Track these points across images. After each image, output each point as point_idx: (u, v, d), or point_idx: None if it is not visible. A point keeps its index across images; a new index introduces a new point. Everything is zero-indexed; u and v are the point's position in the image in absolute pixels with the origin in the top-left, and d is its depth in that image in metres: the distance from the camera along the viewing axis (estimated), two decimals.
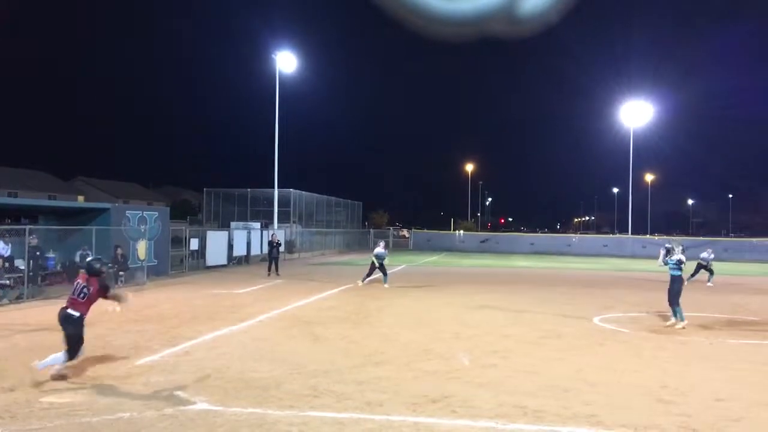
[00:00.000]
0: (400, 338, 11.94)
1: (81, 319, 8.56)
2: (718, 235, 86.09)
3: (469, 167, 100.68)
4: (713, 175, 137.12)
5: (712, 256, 26.24)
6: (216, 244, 29.95)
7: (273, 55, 42.41)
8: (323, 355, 10.17)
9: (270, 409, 7.07)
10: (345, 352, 10.52)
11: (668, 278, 14.14)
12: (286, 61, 42.62)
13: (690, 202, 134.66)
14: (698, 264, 25.95)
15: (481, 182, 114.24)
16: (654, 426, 6.74)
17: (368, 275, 22.24)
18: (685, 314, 14.02)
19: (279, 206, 42.48)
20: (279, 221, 42.13)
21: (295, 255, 41.32)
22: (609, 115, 68.78)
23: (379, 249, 22.21)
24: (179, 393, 7.66)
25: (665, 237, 63.05)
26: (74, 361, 8.51)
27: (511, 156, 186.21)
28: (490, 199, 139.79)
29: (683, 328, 13.57)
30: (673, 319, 13.97)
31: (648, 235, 69.56)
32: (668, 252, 14.10)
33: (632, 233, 62.08)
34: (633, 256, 51.33)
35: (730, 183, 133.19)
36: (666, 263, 14.13)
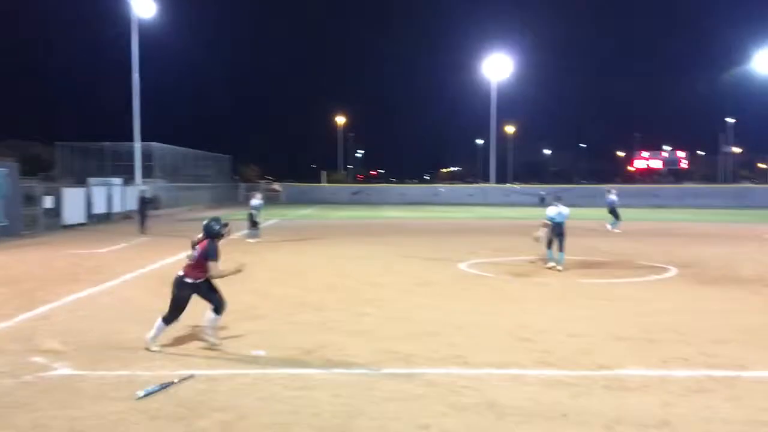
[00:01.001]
0: (273, 292, 11.92)
1: (184, 283, 7.89)
2: (572, 181, 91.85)
3: (340, 120, 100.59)
4: (567, 126, 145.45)
5: (615, 198, 26.89)
6: (73, 201, 28.18)
7: None
8: (194, 313, 9.95)
9: (139, 370, 6.87)
10: None
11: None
12: (143, 5, 40.14)
13: (547, 151, 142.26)
14: (610, 208, 26.73)
15: (351, 134, 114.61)
16: (514, 363, 7.22)
17: (251, 228, 21.64)
18: (539, 258, 15.00)
19: (142, 161, 40.54)
20: (143, 177, 40.25)
21: (161, 211, 39.76)
22: (473, 69, 70.78)
23: (256, 200, 21.77)
24: (38, 359, 7.25)
25: (527, 186, 66.52)
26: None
27: (381, 109, 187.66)
28: (361, 152, 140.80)
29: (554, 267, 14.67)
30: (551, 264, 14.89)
31: (509, 184, 73.05)
32: (546, 202, 15.02)
33: (495, 182, 64.95)
34: (496, 204, 53.78)
35: (583, 133, 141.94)
36: (557, 217, 14.91)
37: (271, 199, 61.92)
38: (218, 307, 7.86)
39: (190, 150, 51.27)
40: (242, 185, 64.13)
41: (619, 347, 7.92)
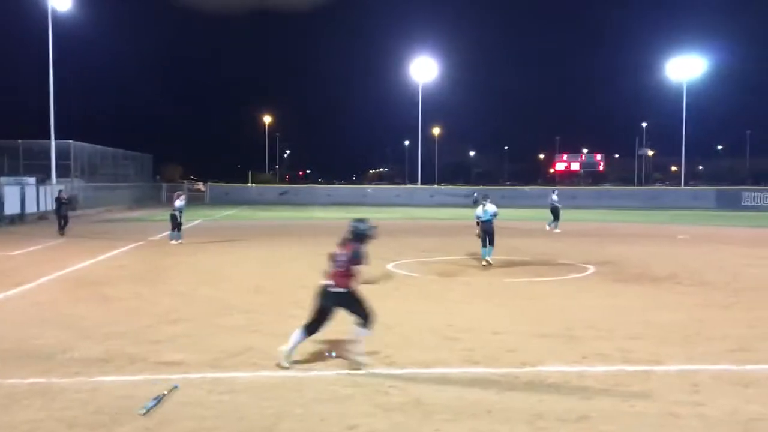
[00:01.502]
0: (197, 295, 11.66)
1: (330, 293, 7.14)
2: (496, 183, 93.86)
3: (267, 119, 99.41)
4: (492, 128, 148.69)
5: (557, 198, 27.37)
6: None
7: None
8: (114, 317, 9.64)
9: (55, 377, 6.58)
10: (138, 312, 10.05)
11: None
12: None
13: (472, 153, 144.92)
14: (553, 207, 27.18)
15: (278, 134, 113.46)
16: (441, 361, 7.31)
17: (173, 230, 20.95)
18: (466, 257, 15.26)
19: (58, 159, 38.88)
20: (59, 176, 38.63)
21: (78, 212, 38.27)
22: (401, 71, 71.40)
23: (179, 202, 21.14)
24: None
25: (452, 186, 67.51)
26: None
27: (310, 110, 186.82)
28: (288, 152, 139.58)
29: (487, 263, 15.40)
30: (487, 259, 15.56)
31: (435, 185, 74.00)
32: (478, 203, 15.90)
33: (422, 183, 65.66)
34: (423, 205, 54.36)
35: (506, 135, 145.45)
36: (483, 216, 15.56)
37: (195, 200, 60.67)
38: (366, 319, 7.01)
39: (110, 148, 49.56)
40: (164, 185, 62.49)
41: (541, 344, 8.14)
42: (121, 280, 13.35)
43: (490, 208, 15.68)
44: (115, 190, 47.72)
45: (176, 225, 20.87)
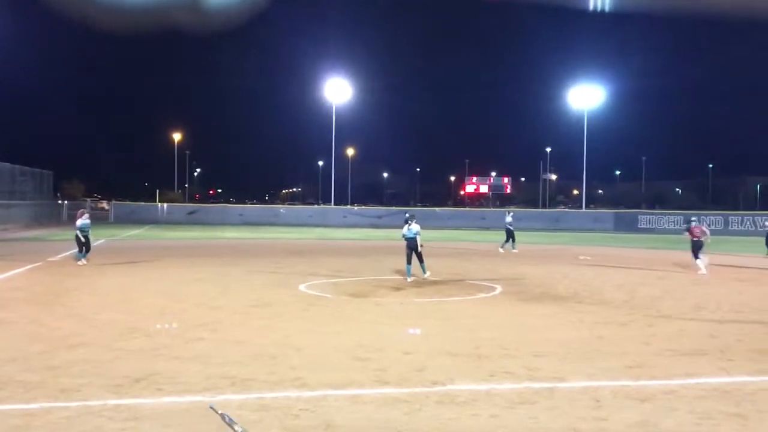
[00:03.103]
0: (99, 318, 11.16)
1: None
2: (408, 204, 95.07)
3: (176, 136, 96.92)
4: (404, 150, 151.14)
5: (511, 219, 27.97)
6: None
7: None
8: (8, 342, 9.08)
9: None
10: (34, 336, 9.51)
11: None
12: None
13: (385, 174, 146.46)
14: (507, 229, 27.68)
15: (188, 152, 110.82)
16: (352, 382, 7.29)
17: (80, 251, 20.10)
18: (376, 278, 15.36)
19: None
20: None
21: None
22: (315, 91, 71.45)
23: (83, 220, 20.20)
24: None
25: (364, 207, 67.83)
26: None
27: (221, 128, 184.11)
28: (198, 170, 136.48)
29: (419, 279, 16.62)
30: (418, 275, 16.83)
31: (348, 206, 74.15)
32: (407, 223, 16.87)
33: (335, 204, 65.68)
34: (336, 226, 54.33)
35: (418, 157, 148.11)
36: (407, 234, 16.77)
37: (99, 219, 58.24)
38: None
39: (7, 164, 46.94)
40: (65, 203, 59.72)
41: (450, 363, 8.26)
42: (16, 302, 12.61)
43: (414, 227, 16.74)
44: (12, 208, 45.16)
45: (81, 245, 20.02)
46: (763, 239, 28.05)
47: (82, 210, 21.77)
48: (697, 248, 19.54)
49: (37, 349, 8.67)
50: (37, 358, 8.16)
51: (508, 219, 28.57)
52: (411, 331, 10.44)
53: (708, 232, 20.10)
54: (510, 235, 27.87)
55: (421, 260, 16.84)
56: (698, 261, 19.42)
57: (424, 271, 17.00)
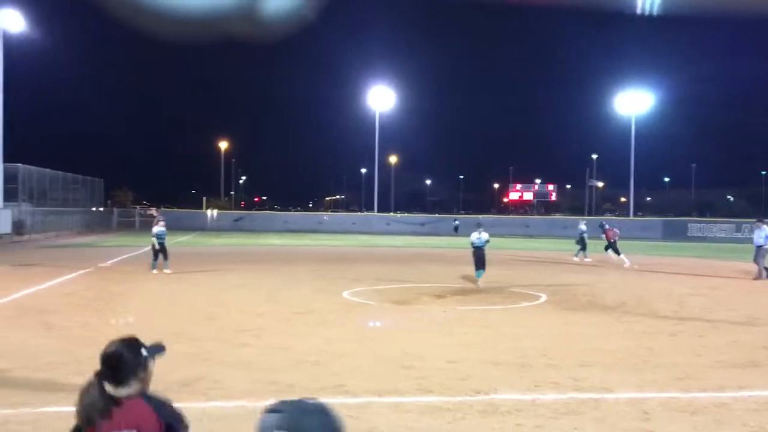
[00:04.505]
0: (147, 323, 11.39)
1: None
2: (451, 212, 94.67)
3: (223, 145, 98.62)
4: (448, 157, 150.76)
5: (585, 228, 27.67)
6: None
7: None
8: (59, 346, 9.35)
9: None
10: (84, 340, 9.75)
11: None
12: (11, 20, 37.86)
13: (428, 182, 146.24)
14: (581, 237, 27.41)
15: (234, 160, 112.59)
16: (395, 390, 7.28)
17: (155, 258, 19.83)
18: (419, 285, 15.33)
19: (6, 183, 37.85)
20: (6, 200, 37.58)
21: (25, 237, 37.18)
22: (358, 99, 71.83)
23: (159, 227, 20.10)
24: None
25: (407, 214, 67.85)
26: None
27: (266, 136, 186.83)
28: (244, 178, 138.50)
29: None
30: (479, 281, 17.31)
31: (392, 213, 74.28)
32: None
33: (378, 211, 65.84)
34: (379, 233, 54.44)
35: (461, 164, 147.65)
36: (477, 242, 17.43)
37: (148, 226, 59.55)
38: None
39: (60, 173, 48.43)
40: (116, 210, 61.26)
41: (494, 372, 8.17)
42: (68, 307, 12.97)
43: (484, 235, 17.43)
44: (65, 215, 46.55)
45: (156, 252, 19.81)
46: None
47: (158, 217, 21.49)
48: (614, 247, 24.35)
49: (88, 353, 8.88)
50: (89, 361, 8.35)
51: (582, 227, 28.11)
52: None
53: (618, 233, 25.24)
54: (583, 244, 27.41)
55: (482, 266, 17.34)
56: (621, 256, 23.94)
57: (477, 278, 17.40)
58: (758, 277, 19.65)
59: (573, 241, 29.46)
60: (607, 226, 25.71)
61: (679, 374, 8.16)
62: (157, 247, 19.88)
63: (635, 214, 71.37)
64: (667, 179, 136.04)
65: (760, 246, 19.87)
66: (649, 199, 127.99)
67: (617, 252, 24.33)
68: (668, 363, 8.80)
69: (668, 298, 15.67)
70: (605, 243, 25.11)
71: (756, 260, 20.05)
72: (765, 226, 20.07)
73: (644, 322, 12.24)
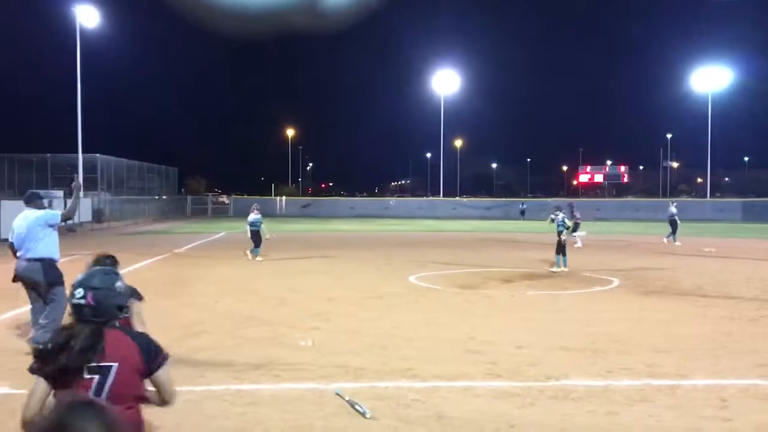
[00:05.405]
0: (220, 307, 11.74)
1: None
2: (518, 195, 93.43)
3: (290, 132, 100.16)
4: (514, 141, 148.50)
5: (675, 210, 27.27)
6: (11, 215, 27.22)
7: (73, 8, 39.00)
8: None
9: None
10: (162, 325, 10.11)
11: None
12: (87, 15, 39.37)
13: (494, 165, 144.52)
14: (671, 220, 27.01)
15: (301, 147, 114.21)
16: (463, 374, 7.27)
17: (257, 245, 19.89)
18: (486, 269, 15.20)
19: (85, 173, 39.59)
20: (85, 189, 39.31)
21: (104, 225, 38.83)
22: (424, 84, 71.46)
23: (254, 215, 20.19)
24: None
25: (473, 198, 67.34)
26: None
27: (331, 123, 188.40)
28: (311, 165, 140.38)
29: (560, 270, 16.82)
30: (556, 268, 17.10)
31: (458, 197, 73.82)
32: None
33: (444, 196, 65.56)
34: (445, 217, 54.25)
35: (528, 147, 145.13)
36: (555, 222, 17.77)
37: (219, 212, 61.17)
38: None
39: (136, 162, 50.27)
40: (189, 198, 63.17)
41: (564, 358, 8.06)
42: (145, 292, 13.41)
43: (560, 217, 17.62)
44: (141, 203, 48.35)
45: (256, 239, 19.97)
46: None
47: (254, 205, 21.68)
48: (575, 229, 24.00)
49: (164, 336, 9.21)
50: (164, 345, 8.68)
51: (673, 210, 27.42)
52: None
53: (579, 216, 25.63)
54: (674, 227, 26.79)
55: (563, 252, 17.17)
56: (576, 235, 24.31)
57: (562, 263, 17.15)
58: None
59: (643, 224, 28.66)
60: (574, 208, 26.02)
61: (760, 361, 7.84)
62: (249, 234, 20.01)
63: (713, 195, 68.66)
64: (746, 159, 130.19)
65: None
66: (727, 179, 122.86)
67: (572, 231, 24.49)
68: (748, 349, 8.47)
69: (748, 281, 15.06)
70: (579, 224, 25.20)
71: None
72: None
73: (722, 306, 11.80)
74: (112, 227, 38.54)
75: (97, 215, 38.82)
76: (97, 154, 42.24)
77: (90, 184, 40.56)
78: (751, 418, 5.85)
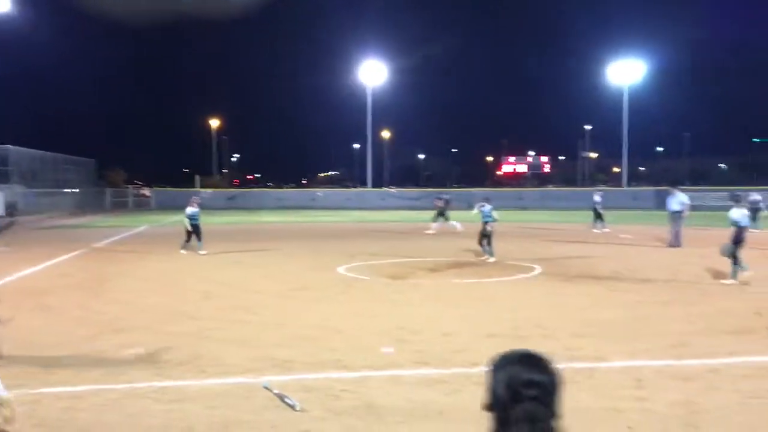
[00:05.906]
0: (144, 302, 11.43)
1: None
2: (444, 186, 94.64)
3: (214, 123, 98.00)
4: (440, 131, 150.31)
5: (599, 199, 27.66)
6: None
7: None
8: (57, 327, 9.37)
9: None
10: (82, 321, 9.79)
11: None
12: None
13: (421, 156, 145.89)
14: (594, 209, 27.47)
15: (225, 137, 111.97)
16: (392, 363, 7.34)
17: (188, 240, 19.34)
18: (414, 260, 15.37)
19: None
20: None
21: (18, 218, 37.07)
22: (350, 74, 71.28)
23: (193, 208, 19.58)
24: None
25: (400, 189, 67.86)
26: None
27: (257, 114, 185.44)
28: (236, 156, 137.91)
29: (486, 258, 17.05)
30: (489, 257, 17.12)
31: (385, 188, 74.19)
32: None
33: (372, 186, 65.78)
34: (373, 208, 54.41)
35: (454, 138, 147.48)
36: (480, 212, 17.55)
37: (141, 206, 59.38)
38: None
39: (50, 153, 48.18)
40: (108, 191, 61.00)
41: (489, 344, 8.23)
42: (64, 288, 12.98)
43: (486, 208, 17.49)
44: (57, 196, 46.41)
45: (189, 234, 19.36)
46: None
47: (194, 197, 21.02)
48: (443, 215, 26.19)
49: (85, 333, 8.93)
50: (86, 342, 8.40)
51: (597, 198, 28.17)
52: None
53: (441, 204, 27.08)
54: (598, 215, 27.52)
55: (488, 243, 17.37)
56: (451, 222, 26.10)
57: (491, 254, 17.34)
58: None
59: (563, 213, 29.65)
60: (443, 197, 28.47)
61: (673, 342, 8.25)
62: (189, 228, 19.41)
63: (629, 184, 71.50)
64: (660, 149, 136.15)
65: (674, 212, 20.69)
66: (642, 169, 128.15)
67: (446, 219, 26.81)
68: (662, 331, 8.90)
69: (661, 267, 15.78)
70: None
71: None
72: (678, 193, 21.14)
73: (638, 291, 12.34)
74: (25, 221, 36.83)
75: (10, 209, 37.02)
76: (9, 146, 40.26)
77: (2, 177, 38.64)
78: (666, 396, 6.15)
